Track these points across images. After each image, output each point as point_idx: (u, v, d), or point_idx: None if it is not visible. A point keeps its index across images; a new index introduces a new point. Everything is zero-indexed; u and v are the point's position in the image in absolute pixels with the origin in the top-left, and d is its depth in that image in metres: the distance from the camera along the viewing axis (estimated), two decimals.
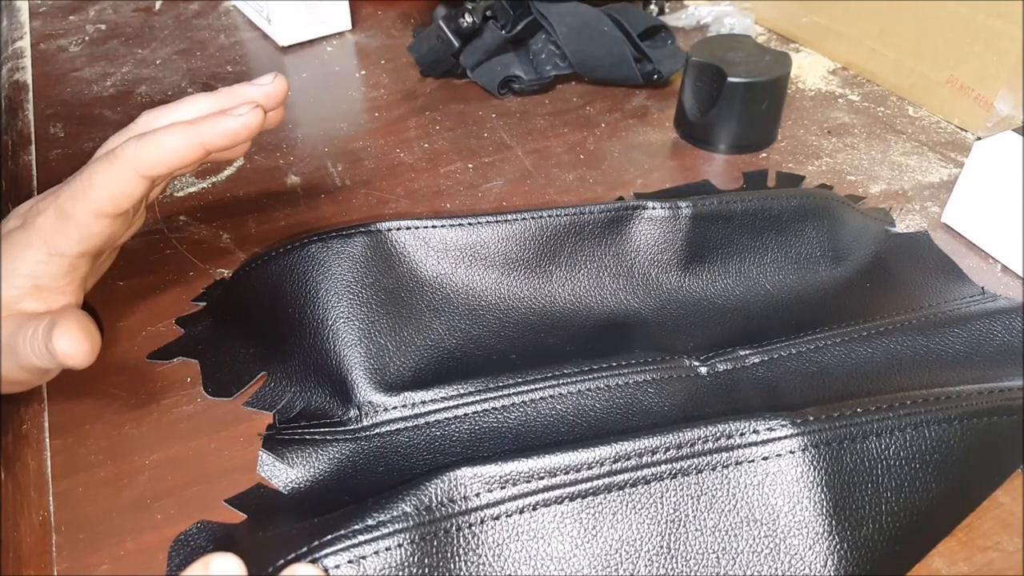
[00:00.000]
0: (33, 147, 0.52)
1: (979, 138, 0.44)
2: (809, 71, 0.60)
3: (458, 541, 0.26)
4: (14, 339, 0.31)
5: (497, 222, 0.38)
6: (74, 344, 0.29)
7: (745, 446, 0.28)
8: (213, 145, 0.32)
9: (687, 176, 0.49)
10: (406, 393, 0.34)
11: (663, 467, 0.27)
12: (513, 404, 0.33)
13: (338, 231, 0.36)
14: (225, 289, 0.40)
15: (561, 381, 0.34)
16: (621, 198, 0.47)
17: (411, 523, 0.26)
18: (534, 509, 0.26)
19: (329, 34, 0.65)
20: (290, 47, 0.64)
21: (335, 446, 0.32)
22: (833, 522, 0.27)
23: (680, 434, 0.28)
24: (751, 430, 0.28)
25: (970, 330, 0.37)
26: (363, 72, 0.61)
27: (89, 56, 0.62)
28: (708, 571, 0.27)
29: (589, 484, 0.27)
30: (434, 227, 0.37)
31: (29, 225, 0.32)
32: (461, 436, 0.33)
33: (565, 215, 0.38)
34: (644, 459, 0.27)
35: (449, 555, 0.26)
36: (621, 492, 0.27)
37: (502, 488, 0.26)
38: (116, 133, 0.34)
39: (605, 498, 0.27)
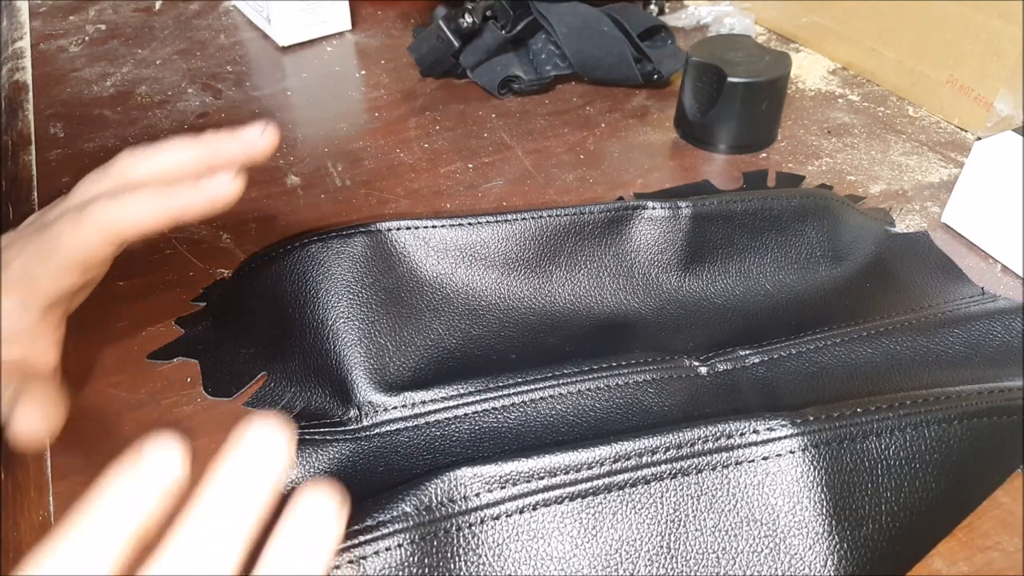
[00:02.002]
0: (33, 147, 0.52)
1: (979, 138, 0.44)
2: (809, 71, 0.60)
3: (458, 541, 0.26)
4: None
5: (497, 222, 0.38)
6: (27, 433, 0.30)
7: (745, 446, 0.28)
8: (184, 215, 0.31)
9: (687, 176, 0.49)
10: (406, 393, 0.34)
11: (663, 467, 0.27)
12: (513, 404, 0.33)
13: (338, 231, 0.36)
14: (225, 289, 0.40)
15: (561, 381, 0.34)
16: (621, 198, 0.47)
17: (411, 523, 0.26)
18: (534, 509, 0.26)
19: (329, 34, 0.65)
20: (290, 47, 0.64)
21: (335, 446, 0.32)
22: (833, 522, 0.27)
23: (680, 434, 0.28)
24: (751, 430, 0.28)
25: (970, 330, 0.37)
26: (363, 72, 0.61)
27: (89, 56, 0.62)
28: (708, 571, 0.27)
29: (589, 484, 0.27)
30: (434, 227, 0.37)
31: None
32: (461, 436, 0.33)
33: (565, 215, 0.38)
34: (644, 459, 0.27)
35: (449, 555, 0.26)
36: (621, 492, 0.27)
37: (502, 488, 0.26)
38: (91, 173, 0.33)
39: (605, 498, 0.27)
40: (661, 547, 0.27)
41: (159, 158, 0.33)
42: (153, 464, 0.21)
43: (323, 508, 0.21)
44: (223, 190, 0.31)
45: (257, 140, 0.33)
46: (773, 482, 0.27)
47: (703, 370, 0.35)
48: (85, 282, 0.32)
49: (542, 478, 0.27)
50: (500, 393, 0.34)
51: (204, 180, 0.31)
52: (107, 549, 0.20)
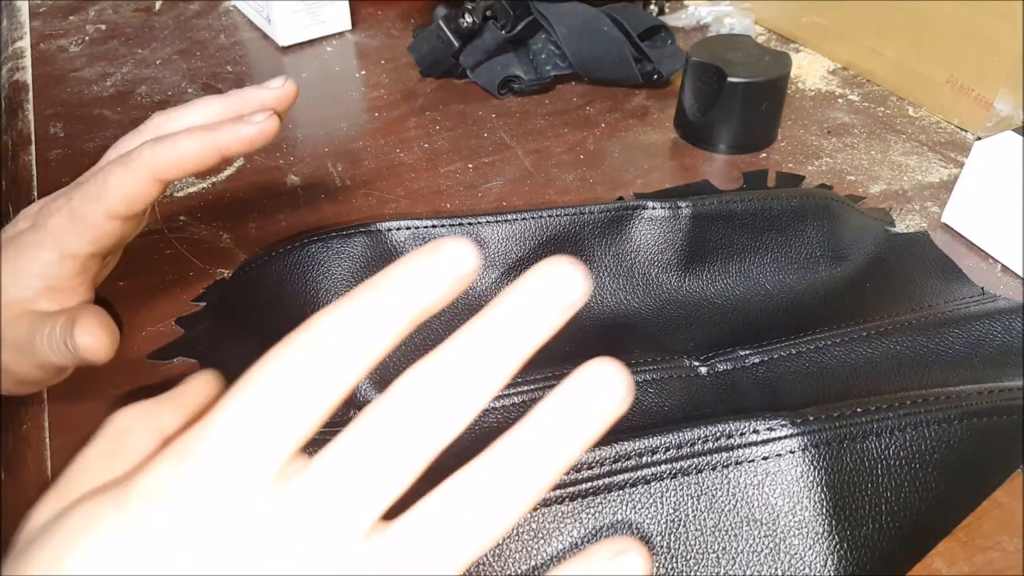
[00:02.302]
0: (33, 147, 0.52)
1: (979, 138, 0.44)
2: (809, 71, 0.60)
3: None
4: (31, 337, 0.31)
5: (497, 222, 0.38)
6: (94, 339, 0.30)
7: (745, 446, 0.28)
8: (230, 151, 0.32)
9: (687, 176, 0.49)
10: None
11: (663, 467, 0.27)
12: (513, 404, 0.33)
13: (338, 231, 0.36)
14: (225, 289, 0.40)
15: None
16: (621, 198, 0.47)
17: None
18: (534, 509, 0.26)
19: (329, 34, 0.65)
20: (290, 47, 0.64)
21: None
22: (833, 522, 0.27)
23: (680, 434, 0.28)
24: (751, 430, 0.28)
25: (970, 331, 0.37)
26: (363, 72, 0.61)
27: (89, 56, 0.62)
28: (708, 571, 0.27)
29: (589, 484, 0.27)
30: (434, 227, 0.37)
31: (40, 226, 0.32)
32: (460, 436, 0.32)
33: (565, 215, 0.38)
34: (644, 459, 0.27)
35: None
36: (621, 492, 0.27)
37: None
38: (126, 135, 0.34)
39: (605, 498, 0.27)
40: (661, 547, 0.27)
41: (190, 113, 0.34)
42: (449, 253, 0.20)
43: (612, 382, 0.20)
44: (264, 126, 0.32)
45: (280, 89, 0.34)
46: (773, 482, 0.27)
47: (703, 370, 0.35)
48: (124, 234, 0.33)
49: None
50: (500, 393, 0.34)
51: (246, 117, 0.32)
52: (391, 319, 0.19)
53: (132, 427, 0.23)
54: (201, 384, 0.25)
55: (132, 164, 0.31)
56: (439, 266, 0.20)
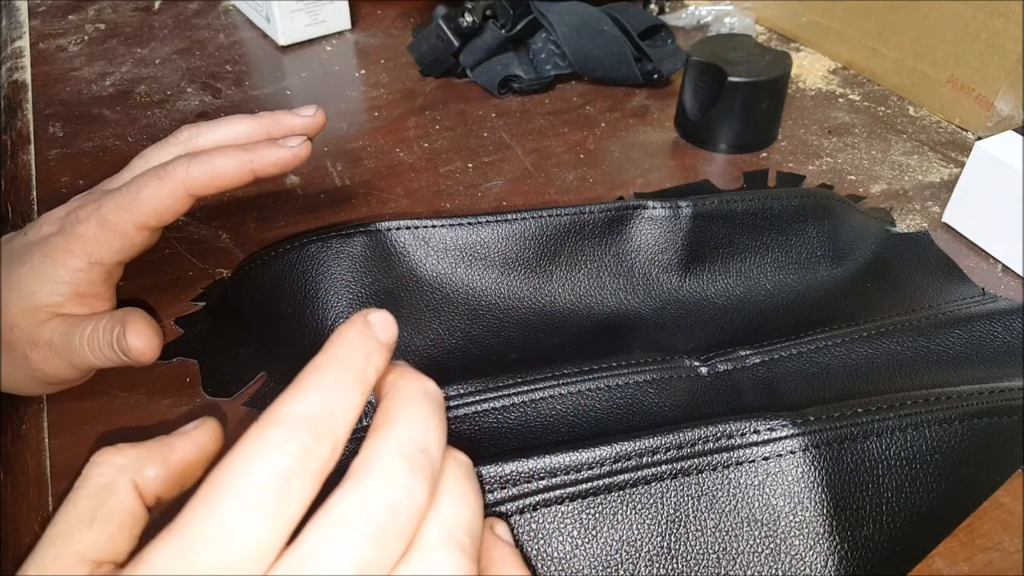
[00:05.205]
0: (32, 147, 0.52)
1: (979, 138, 0.43)
2: (809, 71, 0.60)
3: None
4: (69, 338, 0.32)
5: (497, 222, 0.38)
6: (145, 340, 0.31)
7: (746, 446, 0.28)
8: (264, 172, 0.33)
9: (687, 176, 0.49)
10: None
11: (663, 467, 0.27)
12: (513, 404, 0.33)
13: (337, 231, 0.36)
14: (224, 289, 0.40)
15: (561, 381, 0.34)
16: (621, 198, 0.47)
17: None
18: (534, 509, 0.26)
19: (329, 34, 0.65)
20: (290, 47, 0.64)
21: None
22: (834, 522, 0.27)
23: (680, 434, 0.28)
24: (752, 430, 0.28)
25: (970, 331, 0.37)
26: (363, 72, 0.61)
27: (88, 55, 0.62)
28: (708, 571, 0.27)
29: (589, 484, 0.27)
30: (434, 227, 0.37)
31: (68, 232, 0.32)
32: (461, 436, 0.32)
33: (565, 215, 0.38)
34: (644, 459, 0.27)
35: None
36: (621, 492, 0.27)
37: (502, 488, 0.26)
38: (153, 146, 0.35)
39: (605, 498, 0.27)
40: (661, 547, 0.27)
41: (221, 130, 0.35)
42: (377, 323, 0.22)
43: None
44: (298, 150, 0.33)
45: (311, 118, 0.35)
46: (774, 482, 0.27)
47: (703, 370, 0.35)
48: (150, 244, 0.34)
49: (542, 478, 0.27)
50: (500, 393, 0.34)
51: (280, 141, 0.33)
52: (356, 387, 0.20)
53: (114, 481, 0.22)
54: (197, 435, 0.24)
55: (167, 178, 0.31)
56: (375, 337, 0.21)
